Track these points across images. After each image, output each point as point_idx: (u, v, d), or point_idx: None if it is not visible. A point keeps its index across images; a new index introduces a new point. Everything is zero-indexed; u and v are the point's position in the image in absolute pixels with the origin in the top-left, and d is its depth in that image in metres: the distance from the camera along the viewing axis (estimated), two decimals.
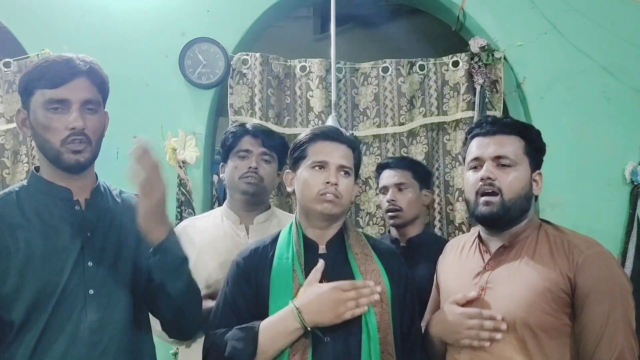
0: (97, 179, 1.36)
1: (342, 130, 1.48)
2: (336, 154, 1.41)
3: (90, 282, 1.25)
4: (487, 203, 1.35)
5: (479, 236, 1.47)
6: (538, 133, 1.44)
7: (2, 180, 2.60)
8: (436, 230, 2.56)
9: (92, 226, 1.29)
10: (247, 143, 1.81)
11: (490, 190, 1.35)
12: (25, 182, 1.32)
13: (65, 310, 1.21)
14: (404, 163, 2.14)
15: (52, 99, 1.23)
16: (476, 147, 1.41)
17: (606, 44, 2.51)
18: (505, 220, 1.37)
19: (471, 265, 1.44)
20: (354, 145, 1.47)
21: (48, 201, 1.28)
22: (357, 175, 1.49)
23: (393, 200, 2.05)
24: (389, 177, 2.09)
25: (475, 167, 1.41)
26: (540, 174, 1.42)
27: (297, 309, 1.29)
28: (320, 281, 1.34)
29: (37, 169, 1.33)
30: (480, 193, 1.37)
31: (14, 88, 2.61)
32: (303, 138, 1.45)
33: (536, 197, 1.43)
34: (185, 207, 2.45)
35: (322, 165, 1.40)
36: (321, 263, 1.36)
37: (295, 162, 1.46)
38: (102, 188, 1.36)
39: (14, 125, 2.59)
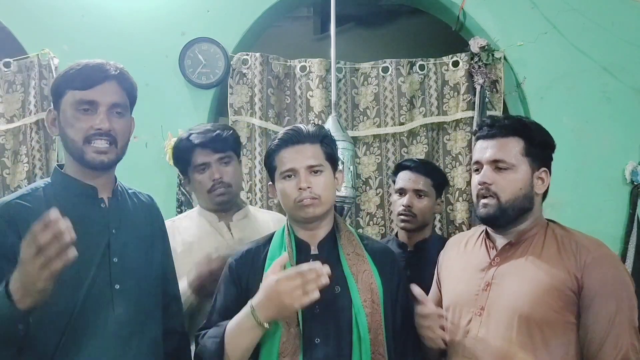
0: (115, 178, 1.40)
1: (302, 127, 1.43)
2: (300, 157, 1.38)
3: (116, 277, 1.29)
4: (484, 205, 1.39)
5: (486, 232, 1.48)
6: (539, 130, 1.44)
7: (2, 180, 2.60)
8: (436, 230, 2.56)
9: (116, 223, 1.33)
10: (201, 155, 1.76)
11: (487, 195, 1.38)
12: (48, 180, 1.35)
13: (93, 305, 1.24)
14: (427, 169, 2.08)
15: (81, 99, 1.27)
16: (477, 150, 1.44)
17: (606, 44, 2.51)
18: (503, 221, 1.39)
19: (476, 260, 1.45)
20: (317, 138, 1.42)
21: (74, 198, 1.31)
22: (335, 163, 1.45)
23: (409, 207, 2.01)
24: (409, 180, 2.04)
25: (477, 170, 1.44)
26: (545, 171, 1.42)
27: (251, 306, 1.27)
28: None
29: (60, 166, 1.36)
30: (479, 196, 1.40)
31: (14, 88, 2.61)
32: (269, 150, 1.45)
33: (544, 195, 1.44)
34: (185, 207, 2.45)
35: (290, 174, 1.39)
36: (284, 256, 1.33)
37: (271, 175, 1.46)
38: (120, 187, 1.40)
39: (14, 125, 2.60)
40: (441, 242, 2.17)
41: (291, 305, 1.22)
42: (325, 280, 1.23)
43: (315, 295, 1.22)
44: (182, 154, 1.80)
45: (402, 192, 2.06)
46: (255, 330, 1.27)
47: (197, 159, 1.76)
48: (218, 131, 1.79)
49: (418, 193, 2.03)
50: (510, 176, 1.37)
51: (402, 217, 2.03)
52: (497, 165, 1.38)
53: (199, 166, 1.77)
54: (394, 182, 2.15)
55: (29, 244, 1.00)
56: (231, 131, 1.84)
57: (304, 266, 1.24)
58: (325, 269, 1.23)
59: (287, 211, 1.44)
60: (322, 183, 1.39)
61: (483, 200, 1.39)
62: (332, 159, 1.45)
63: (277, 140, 1.43)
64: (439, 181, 2.11)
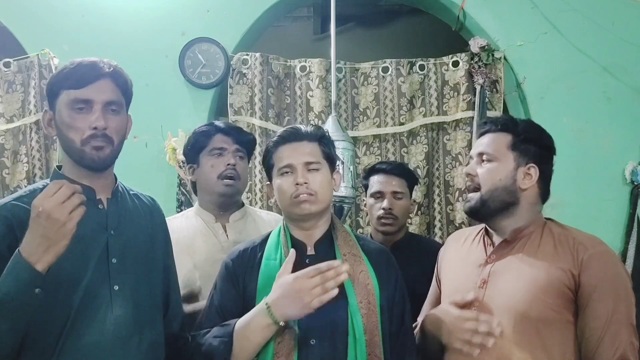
0: (116, 179, 1.39)
1: (300, 126, 1.45)
2: (298, 154, 1.39)
3: (115, 278, 1.28)
4: (468, 200, 1.43)
5: (486, 229, 1.48)
6: (531, 127, 1.46)
7: (1, 180, 2.60)
8: (436, 230, 2.56)
9: (114, 224, 1.32)
10: (220, 141, 1.77)
11: (472, 187, 1.42)
12: (47, 181, 1.34)
13: (92, 306, 1.24)
14: (401, 170, 2.08)
15: (76, 98, 1.27)
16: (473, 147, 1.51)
17: (606, 44, 2.51)
18: (485, 212, 1.40)
19: (474, 257, 1.45)
20: (316, 137, 1.43)
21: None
22: (333, 164, 1.47)
23: (390, 209, 2.00)
24: (385, 183, 2.03)
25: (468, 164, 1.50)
26: (534, 167, 1.41)
27: (267, 304, 1.27)
28: None
29: (59, 167, 1.36)
30: (468, 189, 1.44)
31: (14, 88, 2.61)
32: (267, 147, 1.46)
33: (545, 195, 1.43)
34: (185, 207, 2.45)
35: (288, 170, 1.39)
36: (292, 253, 1.33)
37: (268, 173, 1.47)
38: (120, 188, 1.40)
39: (14, 125, 2.60)
40: (417, 240, 2.18)
41: (310, 303, 1.23)
42: (344, 277, 1.24)
43: (334, 292, 1.23)
44: (201, 137, 1.79)
45: (379, 195, 2.04)
46: (269, 328, 1.27)
47: (215, 143, 1.77)
48: (241, 127, 1.88)
49: (396, 195, 2.02)
50: (489, 166, 1.39)
51: (383, 220, 2.01)
52: (481, 157, 1.41)
53: (215, 150, 1.76)
54: (365, 186, 2.13)
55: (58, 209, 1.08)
56: (252, 135, 1.93)
57: (323, 265, 1.25)
58: (345, 267, 1.25)
59: (283, 209, 1.43)
60: (319, 180, 1.38)
61: (469, 195, 1.42)
62: (330, 159, 1.45)
63: (275, 138, 1.44)
64: (412, 182, 2.11)
